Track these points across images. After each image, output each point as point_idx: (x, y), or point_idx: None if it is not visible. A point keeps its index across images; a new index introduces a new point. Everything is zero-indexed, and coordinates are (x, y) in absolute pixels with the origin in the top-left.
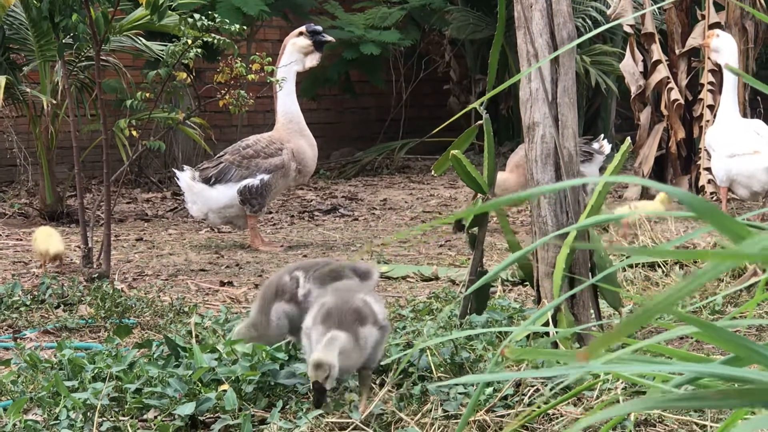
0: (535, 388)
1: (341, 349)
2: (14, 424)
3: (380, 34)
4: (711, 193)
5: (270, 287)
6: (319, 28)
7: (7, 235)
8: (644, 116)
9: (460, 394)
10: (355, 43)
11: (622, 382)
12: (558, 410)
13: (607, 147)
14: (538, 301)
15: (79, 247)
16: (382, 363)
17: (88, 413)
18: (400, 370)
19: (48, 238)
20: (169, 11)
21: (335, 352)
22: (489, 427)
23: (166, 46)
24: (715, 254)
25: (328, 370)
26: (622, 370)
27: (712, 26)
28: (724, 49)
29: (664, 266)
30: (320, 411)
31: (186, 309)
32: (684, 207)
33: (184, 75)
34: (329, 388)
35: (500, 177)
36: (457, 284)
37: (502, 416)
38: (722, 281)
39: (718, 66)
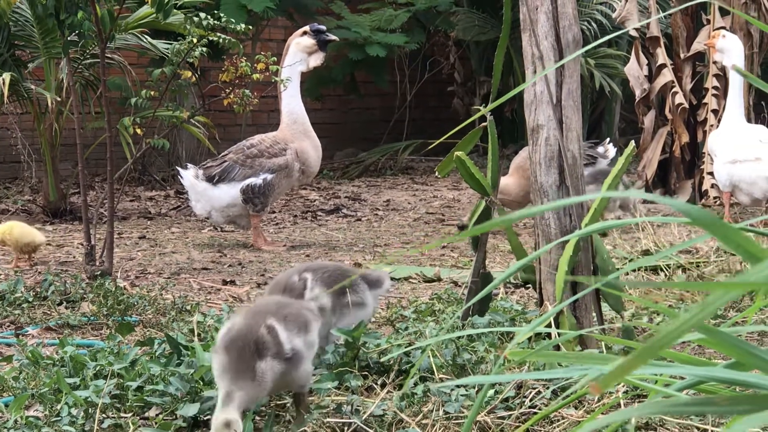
0: (536, 390)
1: (240, 401)
2: (15, 421)
3: (386, 36)
4: (714, 198)
5: (278, 286)
6: (323, 27)
7: None
8: (648, 120)
9: (462, 396)
10: (361, 45)
11: (623, 386)
12: (559, 413)
13: (611, 151)
14: (540, 303)
15: (82, 245)
16: (384, 363)
17: (90, 410)
18: (401, 370)
19: (29, 229)
20: (175, 10)
21: (236, 408)
22: (490, 428)
23: (171, 44)
24: (722, 285)
25: (235, 427)
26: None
27: (717, 30)
28: (730, 49)
29: (667, 270)
30: (323, 411)
31: (188, 307)
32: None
33: (189, 74)
34: None
35: (501, 181)
36: (460, 285)
37: (503, 418)
38: None
39: (723, 70)
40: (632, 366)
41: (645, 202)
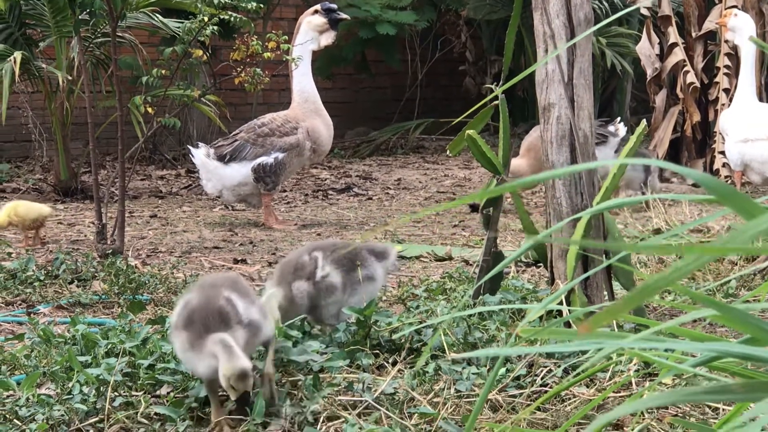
0: (547, 368)
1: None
2: (27, 398)
3: (396, 15)
4: (725, 177)
5: (288, 265)
6: (334, 6)
7: None
8: (660, 99)
9: (473, 374)
10: (371, 23)
11: (635, 364)
12: (570, 391)
13: (622, 130)
14: (551, 281)
15: (93, 224)
16: (395, 341)
17: (101, 388)
18: (412, 349)
19: (33, 205)
20: None
21: (241, 354)
22: (501, 407)
23: (182, 23)
24: (712, 249)
25: (252, 375)
26: (639, 348)
27: (729, 9)
28: (741, 28)
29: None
30: (334, 388)
31: None
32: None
33: (200, 52)
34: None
35: (513, 162)
36: (471, 264)
37: (514, 396)
38: (736, 264)
39: (735, 49)
40: (621, 309)
41: (663, 180)
